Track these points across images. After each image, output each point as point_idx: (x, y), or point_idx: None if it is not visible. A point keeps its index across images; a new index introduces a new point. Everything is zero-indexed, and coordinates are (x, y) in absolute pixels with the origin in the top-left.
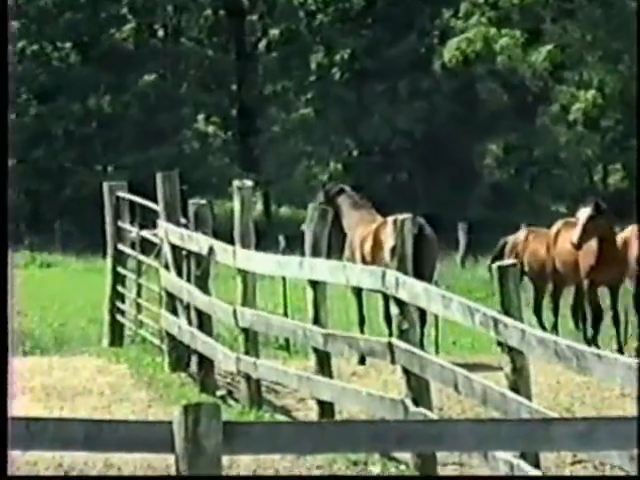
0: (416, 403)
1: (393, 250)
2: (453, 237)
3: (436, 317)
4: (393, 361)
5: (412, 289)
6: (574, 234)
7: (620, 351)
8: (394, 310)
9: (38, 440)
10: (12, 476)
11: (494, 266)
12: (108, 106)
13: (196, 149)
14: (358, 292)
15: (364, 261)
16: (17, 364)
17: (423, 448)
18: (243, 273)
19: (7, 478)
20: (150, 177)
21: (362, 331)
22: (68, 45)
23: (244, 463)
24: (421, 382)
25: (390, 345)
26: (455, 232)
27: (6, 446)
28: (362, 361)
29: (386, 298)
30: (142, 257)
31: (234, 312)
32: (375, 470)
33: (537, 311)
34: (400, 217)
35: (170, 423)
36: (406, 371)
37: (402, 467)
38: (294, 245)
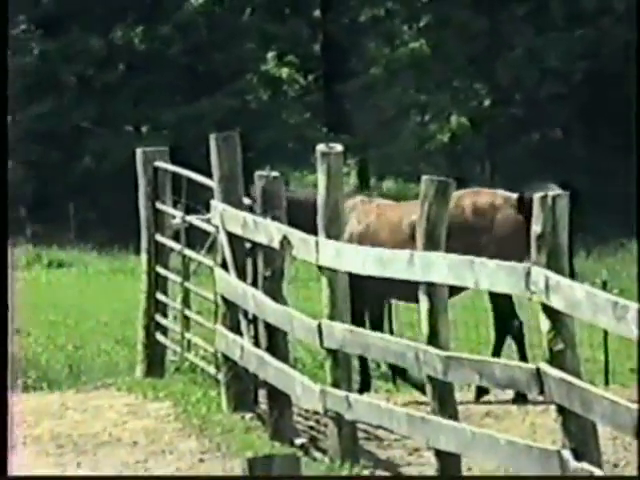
0: (578, 456)
1: (539, 238)
2: (625, 219)
3: (605, 334)
4: (543, 394)
5: (569, 294)
6: None
7: None
8: (544, 323)
9: None
10: (12, 476)
11: None
12: (140, 41)
13: (264, 101)
14: (493, 297)
15: None
16: (14, 403)
17: None
18: (330, 273)
19: (7, 478)
20: (200, 140)
21: (499, 353)
22: None
23: None
24: (584, 426)
25: (539, 372)
26: (628, 212)
27: (6, 446)
28: (480, 393)
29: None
30: (190, 252)
31: (319, 328)
32: None
33: None
34: (550, 192)
35: None
36: (562, 410)
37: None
38: None
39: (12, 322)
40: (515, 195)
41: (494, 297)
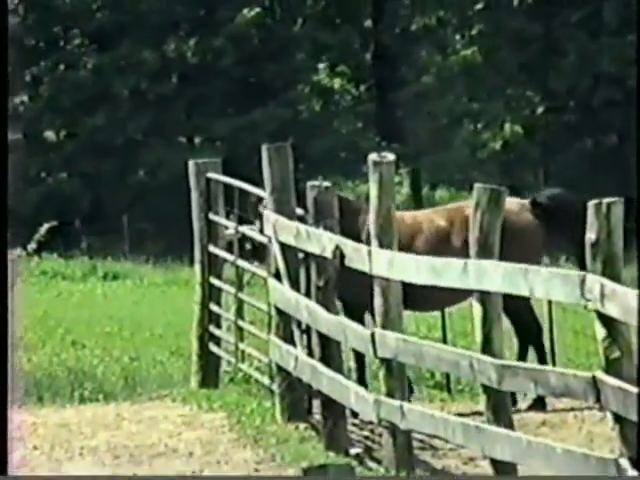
0: (636, 465)
1: (594, 246)
2: None
3: None
4: (599, 403)
5: (625, 301)
6: None
7: None
8: (599, 331)
9: None
10: (12, 476)
11: None
12: (193, 54)
13: (316, 111)
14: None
15: None
16: (71, 415)
17: None
18: (383, 282)
19: (7, 478)
20: (252, 151)
21: (554, 362)
22: None
23: None
24: None
25: (595, 381)
26: None
27: (6, 446)
28: (543, 405)
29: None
30: (243, 263)
31: (372, 337)
32: None
33: None
34: (605, 200)
35: None
36: (619, 418)
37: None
38: None
39: (12, 324)
40: (526, 200)
41: (507, 301)
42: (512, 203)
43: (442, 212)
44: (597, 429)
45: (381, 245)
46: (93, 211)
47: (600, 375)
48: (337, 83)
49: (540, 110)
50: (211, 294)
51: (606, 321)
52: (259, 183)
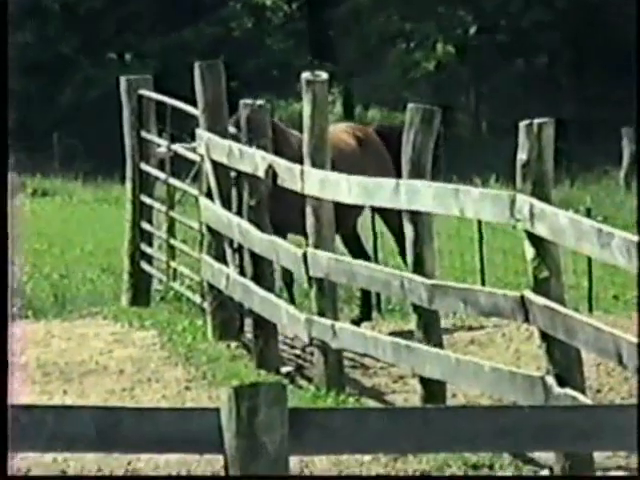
0: (562, 382)
1: (524, 166)
2: (613, 148)
3: (589, 261)
4: (528, 321)
5: (554, 221)
6: None
7: None
8: (529, 251)
9: (31, 437)
10: (12, 476)
11: None
12: None
13: (248, 28)
14: (480, 225)
15: None
16: None
17: (573, 446)
18: (315, 202)
19: (7, 478)
20: (185, 68)
21: (483, 281)
22: None
23: (320, 467)
24: (568, 352)
25: (523, 300)
26: (616, 141)
27: (6, 446)
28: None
29: None
30: (175, 181)
31: (304, 256)
32: (505, 477)
33: None
34: (536, 121)
35: (217, 411)
36: (547, 337)
37: (543, 472)
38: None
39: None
40: (371, 128)
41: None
42: (367, 130)
43: (349, 131)
44: (524, 347)
45: (314, 164)
46: (21, 128)
47: (528, 294)
48: (269, 0)
49: (472, 30)
50: (142, 212)
51: (535, 241)
52: (191, 101)
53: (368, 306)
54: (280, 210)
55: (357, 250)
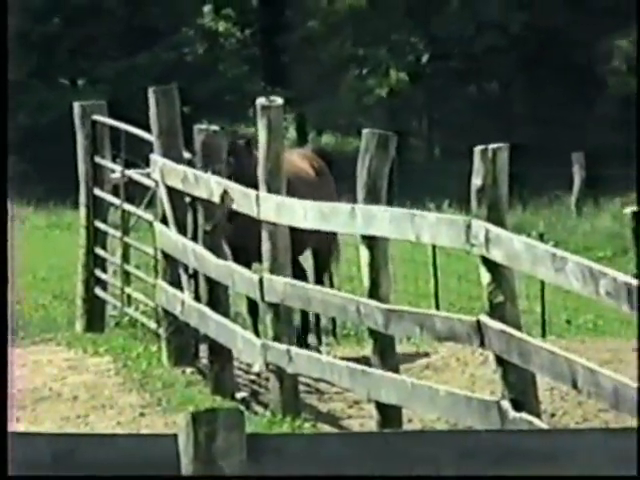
0: (517, 406)
1: (480, 191)
2: (564, 173)
3: (542, 285)
4: (483, 346)
5: (509, 246)
6: None
7: None
8: (484, 276)
9: None
10: (12, 476)
11: (628, 211)
12: None
13: (201, 54)
14: (434, 250)
15: None
16: None
17: (530, 470)
18: (271, 227)
19: (7, 478)
20: (137, 94)
21: (437, 306)
22: None
23: None
24: (524, 377)
25: (479, 324)
26: (567, 166)
27: (6, 446)
28: None
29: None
30: (129, 207)
31: (260, 282)
32: None
33: None
34: (491, 146)
35: (173, 437)
36: (502, 361)
37: None
38: (341, 187)
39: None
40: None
41: (316, 235)
42: (314, 156)
43: (303, 157)
44: (479, 372)
45: (269, 190)
46: None
47: (484, 319)
48: (222, 26)
49: (425, 57)
50: (96, 238)
51: (490, 266)
52: (145, 126)
53: (307, 331)
54: (244, 236)
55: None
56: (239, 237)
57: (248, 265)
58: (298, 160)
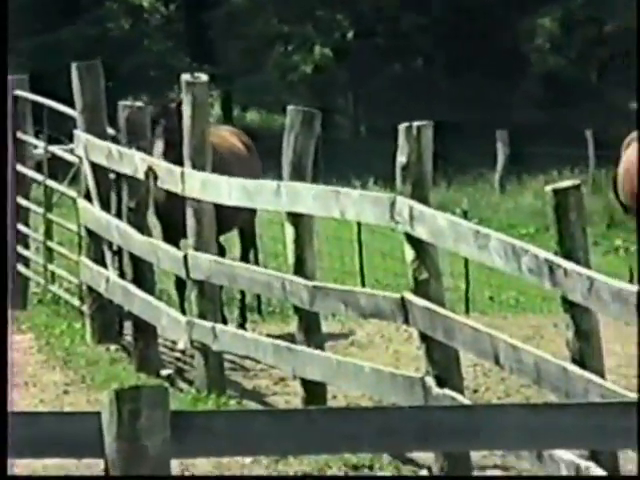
0: (440, 382)
1: (404, 169)
2: (488, 150)
3: (466, 262)
4: (408, 323)
5: (433, 223)
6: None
7: None
8: (408, 253)
9: None
10: (12, 476)
11: (549, 189)
12: None
13: (126, 30)
14: (359, 227)
15: None
16: None
17: (451, 446)
18: (196, 204)
19: (7, 478)
20: (61, 69)
21: (363, 283)
22: None
23: (201, 469)
24: (447, 353)
25: (403, 301)
26: (491, 143)
27: (6, 446)
28: None
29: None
30: (52, 183)
31: (185, 259)
32: (385, 478)
33: None
34: (415, 124)
35: (96, 415)
36: (426, 338)
37: (422, 472)
38: (267, 164)
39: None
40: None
41: (239, 213)
42: (241, 132)
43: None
44: (403, 348)
45: (194, 167)
46: None
47: (409, 296)
48: (146, 1)
49: (350, 35)
50: (19, 214)
51: (415, 243)
52: (69, 102)
53: (245, 309)
54: (173, 213)
55: (249, 247)
56: (168, 213)
57: (177, 242)
58: (228, 135)
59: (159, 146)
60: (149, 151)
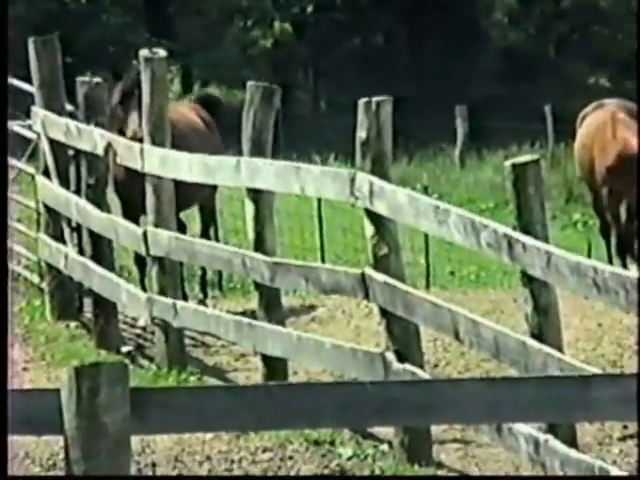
0: (401, 357)
1: (364, 144)
2: (448, 125)
3: (426, 237)
4: (368, 298)
5: (392, 199)
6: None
7: None
8: (368, 229)
9: None
10: (12, 476)
11: (507, 164)
12: None
13: (83, 4)
14: (319, 203)
15: None
16: None
17: (411, 420)
18: (155, 180)
19: (7, 478)
20: (18, 44)
21: (323, 259)
22: None
23: (162, 446)
24: (407, 328)
25: (363, 277)
26: (451, 118)
27: (6, 446)
28: None
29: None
30: (10, 160)
31: (144, 235)
32: (346, 453)
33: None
34: (375, 99)
35: (56, 392)
36: (386, 313)
37: (383, 447)
38: (227, 140)
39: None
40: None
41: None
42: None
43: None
44: (364, 324)
45: (154, 143)
46: None
47: (369, 271)
48: None
49: (310, 8)
50: None
51: (374, 218)
52: (25, 78)
53: (206, 286)
54: (132, 189)
55: (209, 223)
56: (127, 190)
57: (137, 218)
58: (187, 111)
59: (134, 117)
60: (108, 127)
